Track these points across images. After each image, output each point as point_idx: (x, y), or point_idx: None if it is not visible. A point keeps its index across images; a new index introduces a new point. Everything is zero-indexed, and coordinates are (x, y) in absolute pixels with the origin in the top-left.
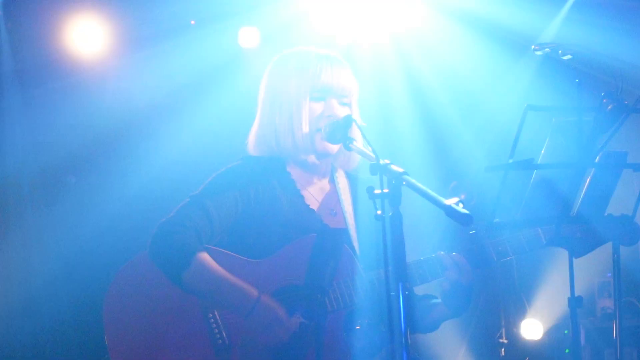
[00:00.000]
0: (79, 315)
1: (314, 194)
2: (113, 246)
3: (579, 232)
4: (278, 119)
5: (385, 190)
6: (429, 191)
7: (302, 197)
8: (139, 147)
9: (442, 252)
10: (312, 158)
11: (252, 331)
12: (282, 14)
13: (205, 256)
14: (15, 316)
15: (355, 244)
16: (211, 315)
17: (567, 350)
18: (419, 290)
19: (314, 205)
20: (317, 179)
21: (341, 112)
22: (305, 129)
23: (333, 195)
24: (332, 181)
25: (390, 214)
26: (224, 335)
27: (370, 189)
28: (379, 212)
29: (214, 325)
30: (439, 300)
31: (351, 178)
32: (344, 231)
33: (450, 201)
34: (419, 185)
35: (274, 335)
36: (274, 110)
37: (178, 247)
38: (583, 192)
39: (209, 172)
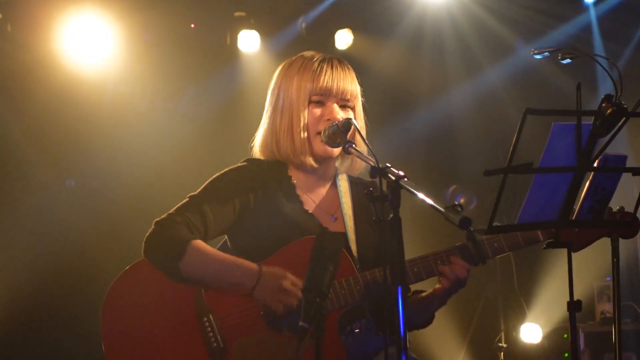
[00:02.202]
0: (74, 320)
1: (313, 199)
2: (111, 250)
3: (576, 228)
4: (279, 123)
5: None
6: (427, 195)
7: (301, 202)
8: (138, 150)
9: (436, 250)
10: (311, 162)
11: (261, 303)
12: (283, 18)
13: (199, 243)
14: (9, 319)
15: (354, 247)
16: (206, 319)
17: (566, 355)
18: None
19: (313, 209)
20: (318, 183)
21: (342, 115)
22: (304, 132)
23: (334, 199)
24: (335, 185)
25: (389, 217)
26: (219, 338)
27: (369, 193)
28: (377, 216)
29: (209, 329)
30: (427, 292)
31: (353, 181)
32: (343, 235)
33: (449, 205)
34: (417, 189)
35: (286, 297)
36: (275, 114)
37: (171, 240)
38: (582, 196)
39: (208, 175)
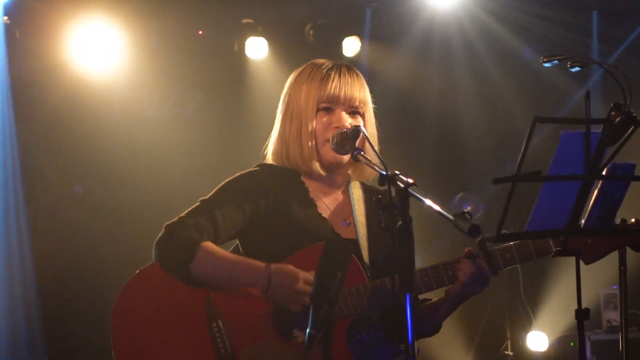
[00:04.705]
0: (84, 324)
1: (327, 203)
2: (120, 254)
3: (589, 239)
4: (288, 130)
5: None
6: (436, 203)
7: (315, 205)
8: (147, 156)
9: (447, 260)
10: (318, 169)
11: (275, 303)
12: (290, 25)
13: (209, 244)
14: (17, 324)
15: (365, 254)
16: (215, 324)
17: None
18: None
19: (326, 213)
20: (331, 190)
21: (350, 122)
22: (312, 140)
23: (346, 205)
24: (347, 192)
25: (398, 224)
26: (227, 344)
27: (378, 200)
28: (386, 224)
29: (217, 335)
30: (434, 300)
31: (367, 188)
32: (354, 241)
33: (457, 213)
34: (426, 196)
35: (302, 297)
36: (285, 122)
37: (181, 242)
38: (591, 204)
39: (215, 181)
